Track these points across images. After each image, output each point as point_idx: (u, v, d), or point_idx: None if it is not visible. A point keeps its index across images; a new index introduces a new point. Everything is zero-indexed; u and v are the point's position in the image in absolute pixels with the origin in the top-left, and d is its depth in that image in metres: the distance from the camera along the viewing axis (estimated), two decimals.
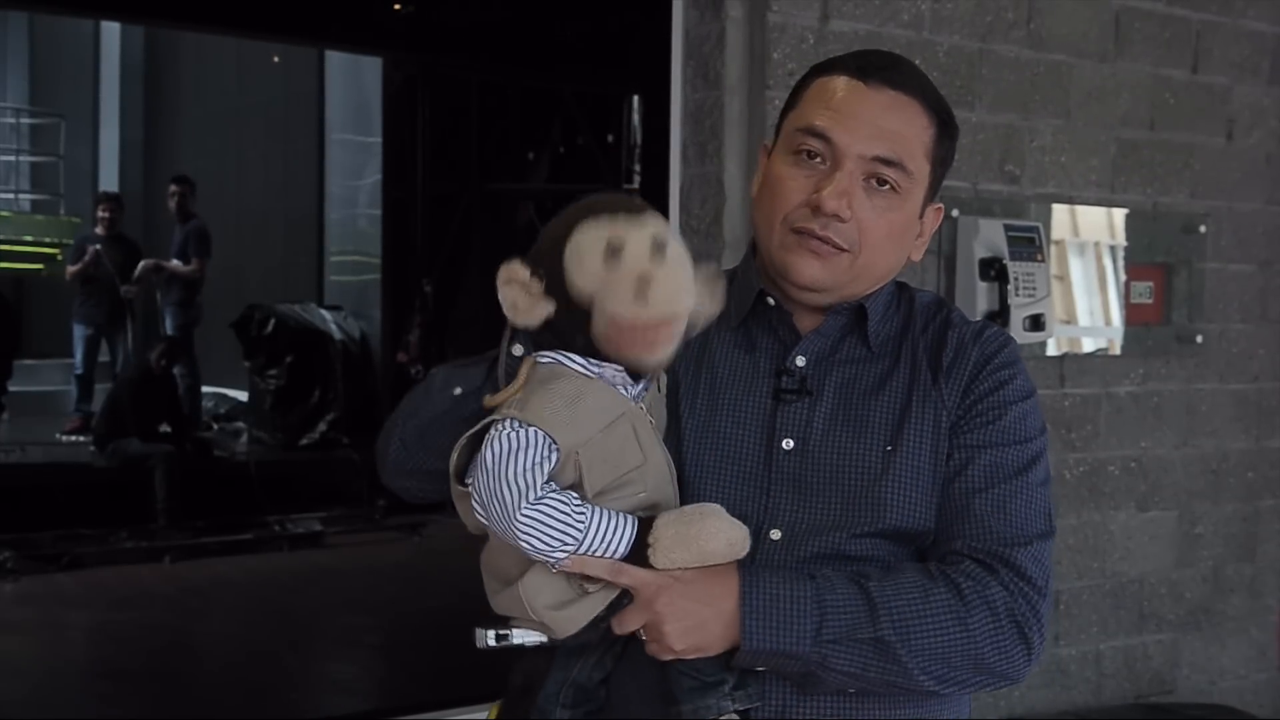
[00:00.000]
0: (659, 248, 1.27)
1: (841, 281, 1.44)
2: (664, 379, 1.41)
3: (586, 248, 1.27)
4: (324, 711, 4.75)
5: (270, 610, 6.15)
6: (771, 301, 1.48)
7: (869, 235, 1.42)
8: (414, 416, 1.44)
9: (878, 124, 1.42)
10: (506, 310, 1.30)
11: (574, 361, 1.30)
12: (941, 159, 1.48)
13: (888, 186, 1.42)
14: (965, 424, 1.43)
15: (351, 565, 6.94)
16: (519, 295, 1.30)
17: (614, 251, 1.26)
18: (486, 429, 1.29)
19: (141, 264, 8.62)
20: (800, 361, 1.46)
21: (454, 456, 1.33)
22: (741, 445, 1.44)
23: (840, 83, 1.44)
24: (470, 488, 1.29)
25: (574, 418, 1.27)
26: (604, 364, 1.31)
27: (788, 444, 1.43)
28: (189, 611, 6.10)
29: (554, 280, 1.29)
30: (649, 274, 1.26)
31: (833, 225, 1.41)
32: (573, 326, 1.29)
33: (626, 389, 1.33)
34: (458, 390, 1.38)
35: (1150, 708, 3.43)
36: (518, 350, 1.34)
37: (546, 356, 1.32)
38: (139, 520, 7.03)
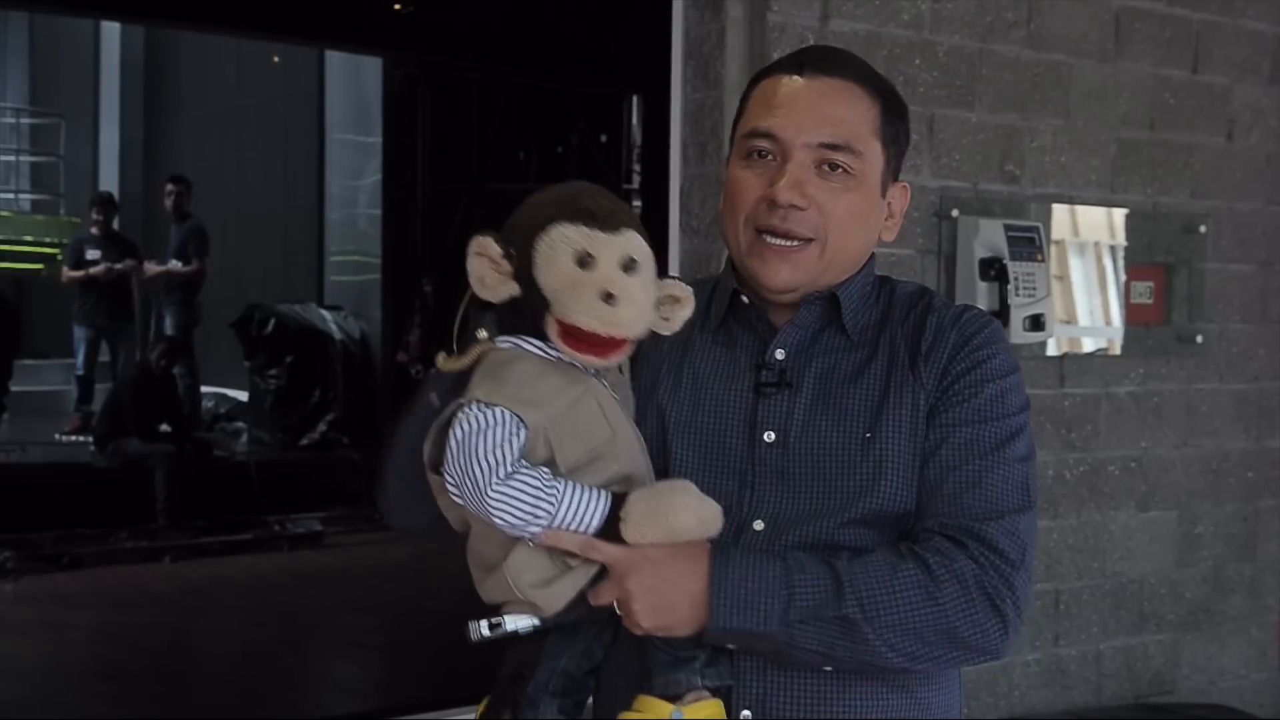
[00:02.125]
0: (629, 266, 1.29)
1: (815, 274, 1.46)
2: (625, 361, 1.40)
3: (560, 248, 1.28)
4: (324, 711, 4.75)
5: (270, 610, 6.15)
6: (746, 300, 1.50)
7: (832, 218, 1.44)
8: (404, 441, 1.40)
9: (820, 111, 1.45)
10: (473, 283, 1.32)
11: (533, 346, 1.32)
12: (892, 137, 1.49)
13: (840, 170, 1.44)
14: (943, 404, 1.44)
15: (351, 565, 6.93)
16: (488, 271, 1.31)
17: (585, 262, 1.28)
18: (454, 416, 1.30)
19: (145, 264, 8.65)
20: (779, 354, 1.48)
21: (427, 446, 1.34)
22: (724, 439, 1.45)
23: (778, 81, 1.48)
24: (443, 470, 1.30)
25: (537, 395, 1.29)
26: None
27: (769, 436, 1.44)
28: (189, 611, 6.09)
29: (523, 266, 1.30)
30: (615, 292, 1.27)
31: (792, 216, 1.43)
32: (534, 313, 1.30)
33: (586, 368, 1.34)
34: (433, 396, 1.37)
35: (1150, 708, 3.43)
36: (482, 335, 1.35)
37: (506, 341, 1.33)
38: (139, 520, 7.02)
